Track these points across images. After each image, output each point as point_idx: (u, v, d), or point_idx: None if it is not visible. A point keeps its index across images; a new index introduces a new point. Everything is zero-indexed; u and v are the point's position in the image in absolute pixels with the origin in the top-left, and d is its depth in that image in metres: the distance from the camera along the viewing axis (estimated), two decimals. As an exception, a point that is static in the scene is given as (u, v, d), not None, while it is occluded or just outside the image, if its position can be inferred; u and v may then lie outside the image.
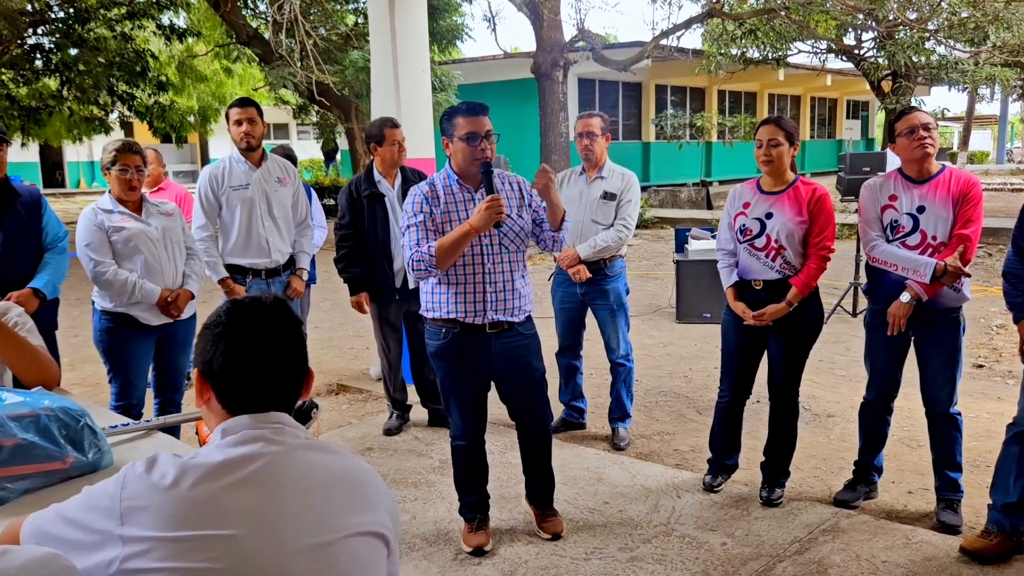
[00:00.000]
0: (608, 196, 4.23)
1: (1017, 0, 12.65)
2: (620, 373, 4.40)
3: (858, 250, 6.50)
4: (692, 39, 37.98)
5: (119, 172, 3.54)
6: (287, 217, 4.31)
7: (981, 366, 5.77)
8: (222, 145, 28.86)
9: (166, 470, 1.24)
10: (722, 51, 15.57)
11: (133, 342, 3.66)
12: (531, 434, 3.31)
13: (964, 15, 13.35)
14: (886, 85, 17.09)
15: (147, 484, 1.23)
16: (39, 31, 14.08)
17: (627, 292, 4.39)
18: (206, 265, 4.13)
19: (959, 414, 3.39)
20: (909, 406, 4.27)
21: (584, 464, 4.00)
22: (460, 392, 3.20)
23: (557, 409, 4.33)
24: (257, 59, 13.58)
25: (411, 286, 4.27)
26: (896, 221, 3.30)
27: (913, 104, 15.40)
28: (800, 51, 17.40)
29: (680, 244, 7.66)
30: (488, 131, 3.02)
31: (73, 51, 14.35)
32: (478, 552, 3.17)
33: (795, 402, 3.59)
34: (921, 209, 3.24)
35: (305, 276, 4.47)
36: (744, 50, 15.70)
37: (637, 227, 4.88)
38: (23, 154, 23.62)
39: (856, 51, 17.12)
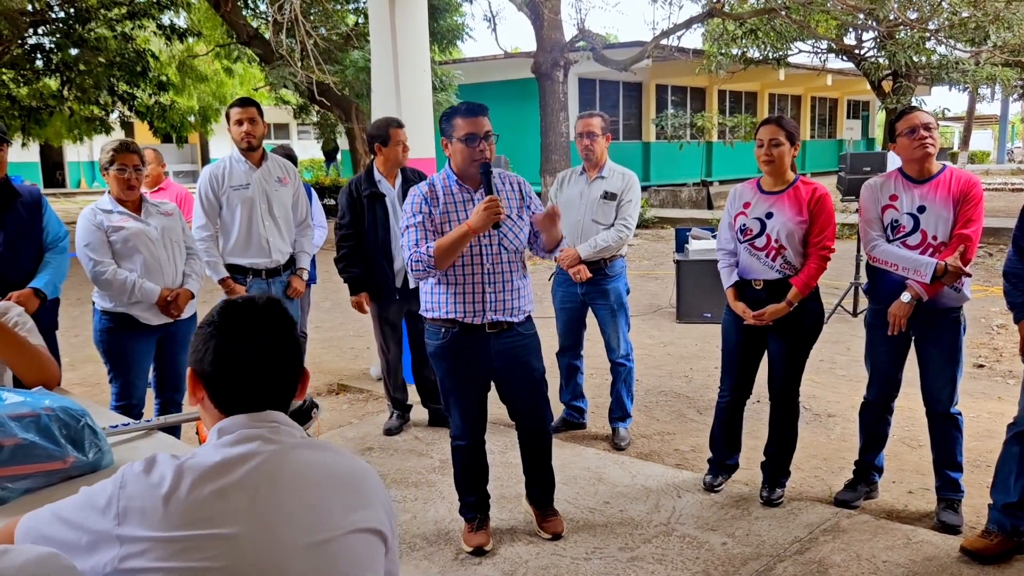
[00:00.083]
0: (608, 196, 4.23)
1: (1018, 0, 12.64)
2: (620, 373, 4.40)
3: (858, 250, 6.50)
4: (692, 39, 38.07)
5: (117, 172, 3.54)
6: (287, 217, 4.31)
7: (982, 366, 5.76)
8: (222, 145, 28.87)
9: (164, 471, 1.24)
10: (722, 51, 15.57)
11: (133, 342, 3.66)
12: (531, 434, 3.31)
13: (965, 15, 13.35)
14: (887, 85, 17.09)
15: (145, 484, 1.23)
16: (40, 31, 14.08)
17: (627, 292, 4.39)
18: (206, 265, 4.14)
19: (960, 414, 3.39)
20: (910, 406, 4.27)
21: (584, 464, 4.00)
22: (460, 392, 3.20)
23: (557, 409, 4.33)
24: (257, 59, 13.59)
25: (412, 286, 4.26)
26: (897, 221, 3.30)
27: (914, 104, 15.40)
28: (801, 51, 17.43)
29: (680, 244, 7.66)
30: (487, 132, 3.02)
31: (74, 51, 14.36)
32: (478, 552, 3.17)
33: (795, 402, 3.59)
34: (922, 209, 3.24)
35: (305, 276, 4.47)
36: (744, 50, 15.71)
37: (637, 227, 4.89)
38: (24, 154, 23.63)
39: (857, 51, 17.12)
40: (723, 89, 23.72)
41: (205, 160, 31.05)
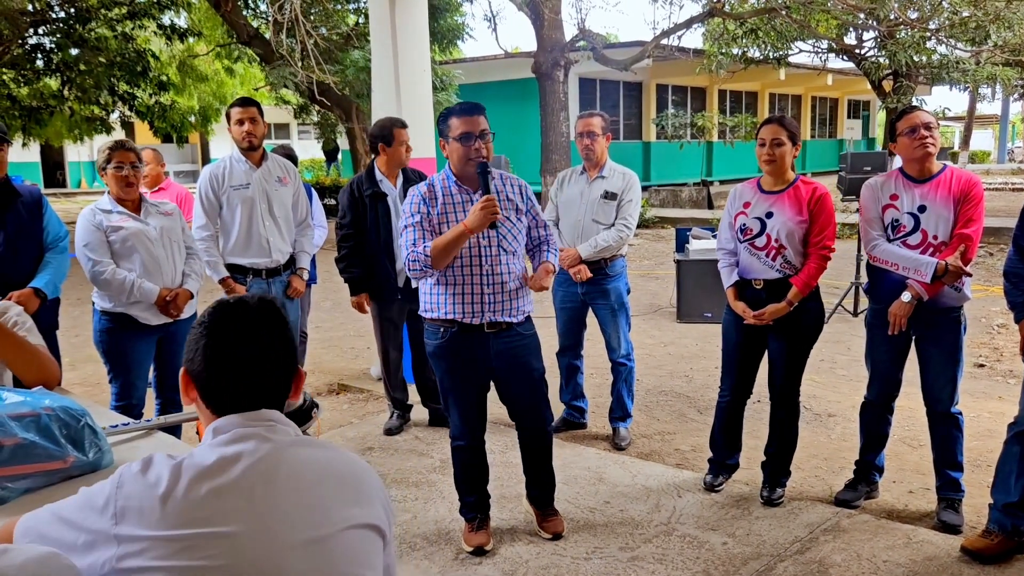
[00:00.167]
0: (609, 196, 4.23)
1: (1018, 0, 12.65)
2: (621, 373, 4.39)
3: (859, 249, 6.50)
4: (693, 39, 38.08)
5: (115, 170, 3.54)
6: (287, 217, 4.31)
7: (982, 366, 5.76)
8: (223, 145, 28.87)
9: (161, 471, 1.25)
10: (723, 50, 15.57)
11: (133, 342, 3.66)
12: (531, 434, 3.31)
13: (965, 14, 13.35)
14: (887, 85, 17.09)
15: (142, 484, 1.23)
16: (40, 31, 14.09)
17: (628, 292, 4.38)
18: (206, 265, 4.13)
19: (960, 414, 3.38)
20: (910, 405, 4.27)
21: (585, 464, 4.00)
22: (459, 392, 3.19)
23: (558, 409, 4.33)
24: (258, 59, 13.59)
25: (413, 285, 4.26)
26: (897, 220, 3.30)
27: (914, 103, 15.42)
28: (801, 51, 17.44)
29: (681, 244, 7.66)
30: (483, 131, 3.01)
31: (74, 51, 14.36)
32: (479, 552, 3.17)
33: (796, 402, 3.59)
34: (922, 208, 3.24)
35: (305, 276, 4.47)
36: (745, 49, 15.71)
37: (638, 227, 4.89)
38: (24, 154, 23.62)
39: (857, 50, 17.13)
40: (723, 89, 23.71)
41: (205, 160, 31.05)
